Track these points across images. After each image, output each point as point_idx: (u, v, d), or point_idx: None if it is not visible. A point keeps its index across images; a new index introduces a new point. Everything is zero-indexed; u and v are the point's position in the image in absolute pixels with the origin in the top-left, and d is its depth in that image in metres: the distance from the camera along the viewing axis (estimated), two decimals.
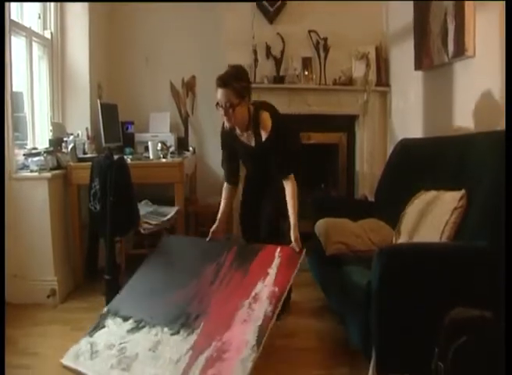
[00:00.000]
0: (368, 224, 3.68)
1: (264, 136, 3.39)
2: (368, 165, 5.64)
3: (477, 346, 2.29)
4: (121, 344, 2.80)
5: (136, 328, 2.90)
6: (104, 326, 3.01)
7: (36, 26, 4.49)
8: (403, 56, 5.02)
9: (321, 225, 3.75)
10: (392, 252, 2.58)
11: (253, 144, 3.48)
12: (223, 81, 3.27)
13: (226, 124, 3.38)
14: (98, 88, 5.18)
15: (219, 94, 3.27)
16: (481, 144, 3.03)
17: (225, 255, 3.23)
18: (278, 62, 5.42)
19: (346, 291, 2.98)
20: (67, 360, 2.82)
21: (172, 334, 2.76)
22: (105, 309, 3.15)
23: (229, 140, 3.61)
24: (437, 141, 3.70)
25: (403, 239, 3.22)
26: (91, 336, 2.96)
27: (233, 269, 3.10)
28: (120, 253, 3.97)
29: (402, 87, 5.23)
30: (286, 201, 3.32)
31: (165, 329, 2.81)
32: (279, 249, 3.09)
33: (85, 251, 4.29)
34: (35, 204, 3.86)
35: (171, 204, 4.31)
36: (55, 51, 4.76)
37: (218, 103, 3.30)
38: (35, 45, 4.44)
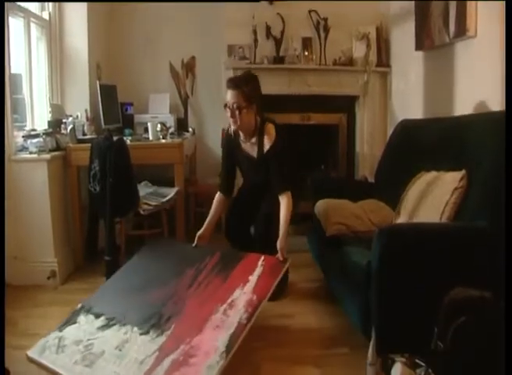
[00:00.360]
0: (368, 205, 3.67)
1: (267, 146, 3.47)
2: (368, 146, 5.62)
3: (476, 326, 2.30)
4: (89, 340, 2.75)
5: (107, 326, 2.85)
6: (75, 322, 2.95)
7: (34, 7, 4.45)
8: (403, 37, 4.98)
9: (321, 206, 3.76)
10: (392, 232, 2.58)
11: (255, 154, 3.56)
12: (234, 83, 3.39)
13: (232, 126, 3.48)
14: (97, 69, 5.15)
15: (229, 95, 3.37)
16: (481, 125, 3.02)
17: (208, 260, 3.23)
18: (278, 43, 5.38)
19: (346, 271, 2.99)
20: (33, 353, 2.74)
21: (141, 334, 2.72)
22: (79, 306, 3.10)
23: (230, 149, 3.69)
24: (437, 122, 3.68)
25: (403, 219, 3.22)
26: (61, 330, 2.89)
27: (213, 274, 3.09)
28: (120, 234, 3.97)
29: (402, 67, 5.19)
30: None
31: (135, 328, 2.77)
32: (262, 258, 3.09)
33: (85, 233, 4.30)
34: (34, 186, 3.85)
35: (171, 185, 4.30)
36: (54, 32, 4.72)
37: (226, 104, 3.39)
38: (33, 26, 4.40)
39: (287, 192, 3.38)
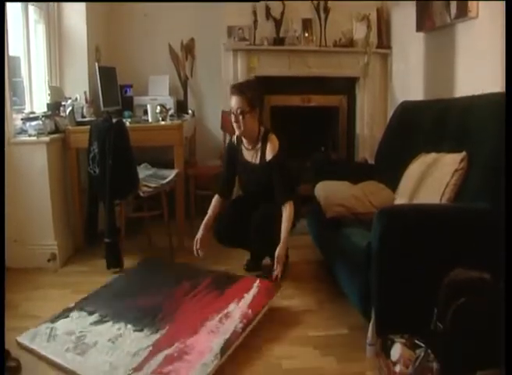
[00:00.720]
0: (368, 187, 3.67)
1: (270, 155, 3.54)
2: (369, 127, 5.61)
3: (476, 307, 2.30)
4: (81, 332, 2.78)
5: (100, 321, 2.90)
6: (67, 317, 2.99)
7: None
8: (404, 18, 4.95)
9: (321, 188, 3.76)
10: (392, 213, 2.58)
11: (257, 161, 3.62)
12: (238, 89, 3.50)
13: (236, 132, 3.55)
14: (96, 51, 5.11)
15: (233, 101, 3.48)
16: (482, 106, 3.01)
17: (202, 279, 3.36)
18: (278, 24, 5.34)
19: (346, 252, 2.99)
20: (23, 339, 2.76)
21: (134, 331, 2.76)
22: (72, 304, 3.14)
23: (232, 157, 3.80)
24: (438, 104, 3.67)
25: (403, 201, 3.22)
26: (52, 322, 2.93)
27: (209, 289, 3.20)
28: (120, 216, 3.97)
29: (403, 49, 5.17)
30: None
31: (129, 325, 2.82)
32: (257, 281, 3.23)
33: (85, 215, 4.29)
34: (34, 168, 3.84)
35: (170, 167, 4.29)
36: (52, 14, 4.67)
37: (230, 110, 3.51)
38: (31, 9, 4.35)
39: (290, 202, 3.45)
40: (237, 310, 2.89)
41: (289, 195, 3.48)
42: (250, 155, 3.67)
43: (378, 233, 2.49)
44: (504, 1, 2.73)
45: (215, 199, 3.78)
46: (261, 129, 3.62)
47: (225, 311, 2.89)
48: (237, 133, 3.57)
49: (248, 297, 3.03)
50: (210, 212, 3.73)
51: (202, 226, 3.66)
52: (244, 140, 3.66)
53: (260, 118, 3.60)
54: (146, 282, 3.44)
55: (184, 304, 3.01)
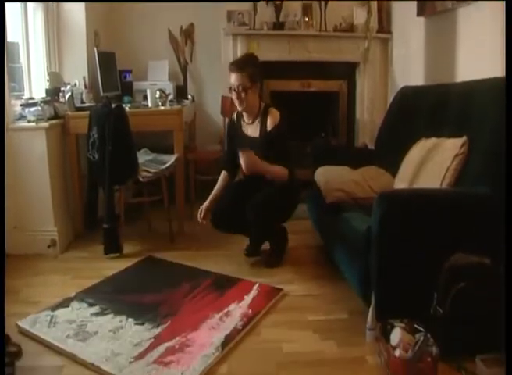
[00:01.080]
0: (368, 172, 3.66)
1: (270, 126, 3.53)
2: (369, 113, 5.60)
3: (475, 292, 2.31)
4: (82, 321, 2.82)
5: (101, 313, 2.93)
6: (67, 306, 3.01)
7: None
8: (405, 2, 4.92)
9: (320, 173, 3.75)
10: (392, 197, 2.57)
11: (257, 134, 3.61)
12: (238, 66, 3.52)
13: (238, 108, 3.58)
14: (95, 36, 5.09)
15: (233, 78, 3.50)
16: (482, 91, 3.00)
17: (202, 280, 3.38)
18: (278, 9, 5.32)
19: (346, 237, 2.99)
20: (24, 323, 2.79)
21: (135, 324, 2.79)
22: (72, 294, 3.17)
23: (233, 132, 3.84)
24: (438, 89, 3.65)
25: (403, 186, 3.22)
26: (53, 310, 2.96)
27: (209, 290, 3.23)
28: (119, 202, 3.96)
29: (404, 33, 5.14)
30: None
31: (130, 319, 2.85)
32: (257, 285, 3.26)
33: (84, 201, 4.29)
34: (33, 154, 3.83)
35: (170, 152, 4.28)
36: None
37: (231, 87, 3.53)
38: None
39: (286, 170, 3.50)
40: (238, 310, 2.92)
41: (286, 165, 3.51)
42: (250, 130, 3.67)
43: (378, 217, 2.48)
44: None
45: (222, 174, 3.87)
46: (261, 104, 3.64)
47: (226, 310, 2.92)
48: (239, 109, 3.59)
49: (248, 298, 3.07)
50: (218, 184, 3.84)
51: (210, 197, 3.76)
52: (245, 115, 3.68)
53: (260, 92, 3.64)
54: (146, 280, 3.45)
55: (184, 304, 3.03)
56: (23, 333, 2.73)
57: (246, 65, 3.51)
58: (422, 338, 2.25)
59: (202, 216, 3.68)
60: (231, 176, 3.86)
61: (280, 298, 3.10)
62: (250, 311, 2.90)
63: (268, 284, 3.26)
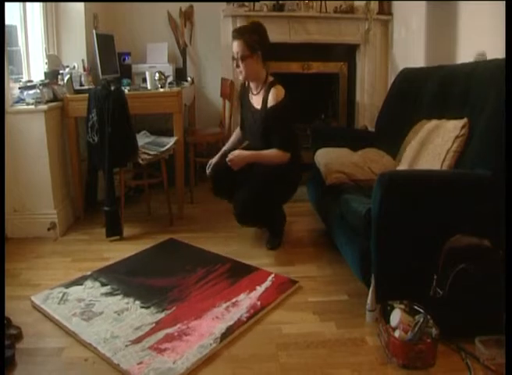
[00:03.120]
0: (368, 154, 3.66)
1: (270, 102, 3.44)
2: (369, 95, 5.58)
3: (475, 273, 2.31)
4: (91, 300, 2.87)
5: (111, 294, 2.97)
6: (81, 284, 3.08)
7: None
8: None
9: (321, 155, 3.75)
10: (392, 178, 2.56)
11: (259, 107, 3.55)
12: (237, 32, 3.47)
13: (239, 77, 3.57)
14: (94, 19, 5.06)
15: (233, 45, 3.45)
16: (483, 73, 2.98)
17: (219, 266, 3.36)
18: None
19: (346, 218, 2.99)
20: (37, 298, 2.88)
21: (141, 307, 2.80)
22: (88, 273, 3.23)
23: (243, 98, 3.81)
24: (439, 70, 3.63)
25: (403, 168, 3.21)
26: (66, 287, 3.03)
27: (222, 277, 3.20)
28: (119, 184, 3.96)
29: (404, 15, 5.10)
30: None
31: (137, 301, 2.87)
32: (273, 275, 3.20)
33: (84, 184, 4.29)
34: (32, 137, 3.81)
35: (170, 135, 4.27)
36: None
37: (233, 57, 3.48)
38: None
39: (285, 152, 3.43)
40: (246, 300, 2.88)
41: (285, 146, 3.43)
42: (255, 100, 3.62)
43: (378, 198, 2.48)
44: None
45: (236, 131, 4.00)
46: (268, 77, 3.55)
47: (234, 300, 2.88)
48: (240, 78, 3.59)
49: (260, 289, 3.01)
50: (230, 140, 3.97)
51: (220, 152, 3.78)
52: (251, 84, 3.64)
53: (265, 64, 3.55)
54: (162, 263, 3.45)
55: (194, 290, 3.02)
56: (35, 306, 2.82)
57: (246, 31, 3.45)
58: (422, 319, 2.26)
59: (209, 170, 3.71)
60: (243, 135, 3.88)
61: (293, 292, 3.03)
62: (258, 303, 2.85)
63: (284, 275, 3.19)
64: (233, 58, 3.47)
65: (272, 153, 3.43)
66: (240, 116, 3.93)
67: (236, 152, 3.46)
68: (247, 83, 3.71)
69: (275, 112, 3.42)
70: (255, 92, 3.61)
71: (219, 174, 3.64)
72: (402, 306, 2.41)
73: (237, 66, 3.46)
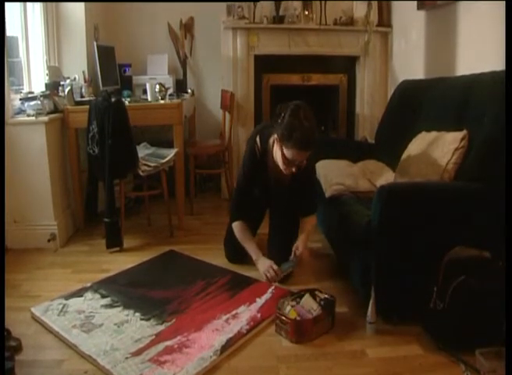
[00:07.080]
0: (368, 165, 3.67)
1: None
2: (369, 106, 5.58)
3: (475, 285, 2.31)
4: (91, 312, 2.87)
5: (111, 306, 2.96)
6: (81, 296, 3.07)
7: None
8: None
9: (321, 166, 3.75)
10: (392, 191, 2.57)
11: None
12: (308, 145, 3.02)
13: (285, 172, 3.15)
14: (95, 30, 5.08)
15: (298, 154, 3.02)
16: (482, 85, 3.00)
17: (218, 278, 3.35)
18: (277, 2, 5.30)
19: (346, 230, 2.99)
20: (37, 310, 2.87)
21: (141, 319, 2.79)
22: (88, 284, 3.22)
23: (259, 169, 3.40)
24: (438, 82, 3.65)
25: (403, 179, 3.22)
26: (66, 299, 3.02)
27: (222, 289, 3.19)
28: (119, 196, 3.96)
29: (404, 27, 5.12)
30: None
31: (137, 313, 2.86)
32: (273, 287, 3.19)
33: (84, 195, 4.29)
34: (33, 148, 3.81)
35: (170, 146, 4.28)
36: None
37: (287, 158, 3.06)
38: None
39: (316, 213, 3.48)
40: (246, 312, 2.86)
41: (315, 208, 3.50)
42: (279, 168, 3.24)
43: (378, 210, 2.49)
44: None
45: (240, 228, 3.50)
46: None
47: (234, 312, 2.87)
48: (286, 172, 3.15)
49: (260, 301, 3.00)
50: (247, 242, 3.46)
51: (260, 256, 3.39)
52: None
53: None
54: (162, 275, 3.44)
55: (194, 302, 3.01)
56: (35, 318, 2.81)
57: (315, 142, 3.03)
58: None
59: (273, 273, 3.26)
60: (245, 221, 3.52)
61: None
62: (259, 315, 2.83)
63: (284, 287, 3.18)
64: (288, 160, 3.06)
65: (312, 222, 3.47)
66: (246, 187, 3.49)
67: (301, 248, 3.31)
68: (258, 154, 3.38)
69: (308, 173, 3.33)
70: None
71: (231, 246, 3.61)
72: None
73: (292, 166, 3.10)
